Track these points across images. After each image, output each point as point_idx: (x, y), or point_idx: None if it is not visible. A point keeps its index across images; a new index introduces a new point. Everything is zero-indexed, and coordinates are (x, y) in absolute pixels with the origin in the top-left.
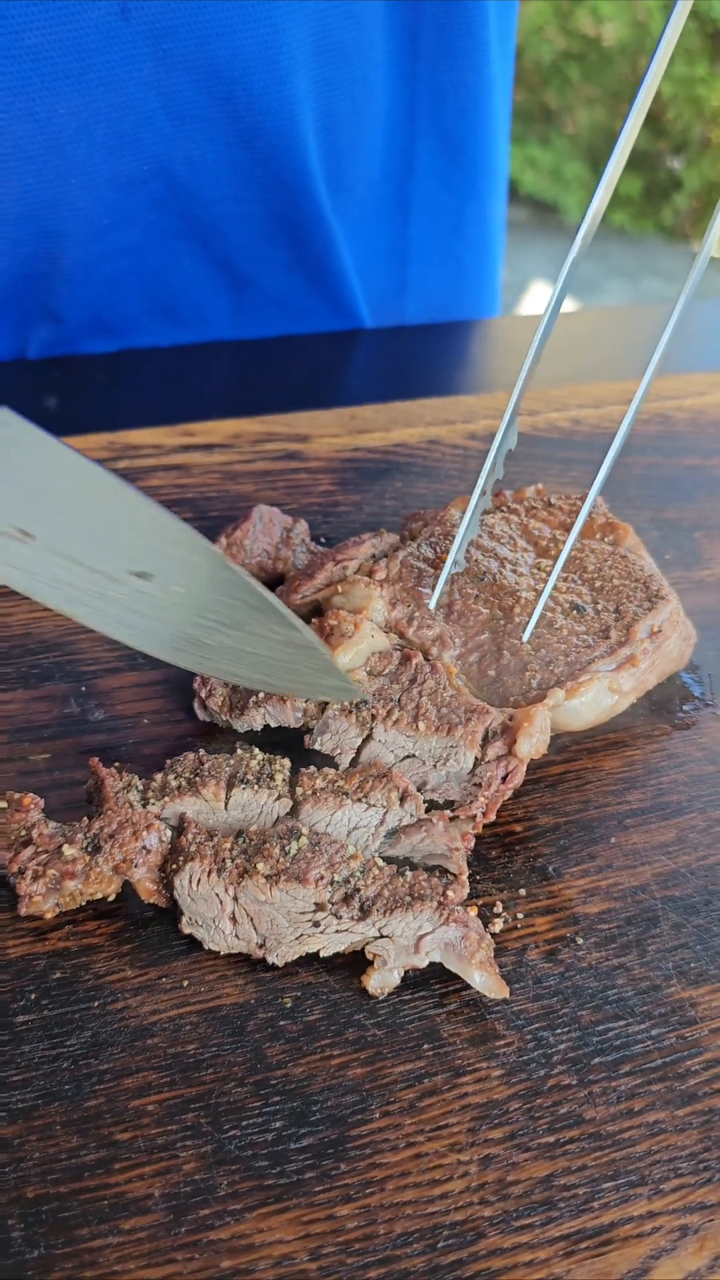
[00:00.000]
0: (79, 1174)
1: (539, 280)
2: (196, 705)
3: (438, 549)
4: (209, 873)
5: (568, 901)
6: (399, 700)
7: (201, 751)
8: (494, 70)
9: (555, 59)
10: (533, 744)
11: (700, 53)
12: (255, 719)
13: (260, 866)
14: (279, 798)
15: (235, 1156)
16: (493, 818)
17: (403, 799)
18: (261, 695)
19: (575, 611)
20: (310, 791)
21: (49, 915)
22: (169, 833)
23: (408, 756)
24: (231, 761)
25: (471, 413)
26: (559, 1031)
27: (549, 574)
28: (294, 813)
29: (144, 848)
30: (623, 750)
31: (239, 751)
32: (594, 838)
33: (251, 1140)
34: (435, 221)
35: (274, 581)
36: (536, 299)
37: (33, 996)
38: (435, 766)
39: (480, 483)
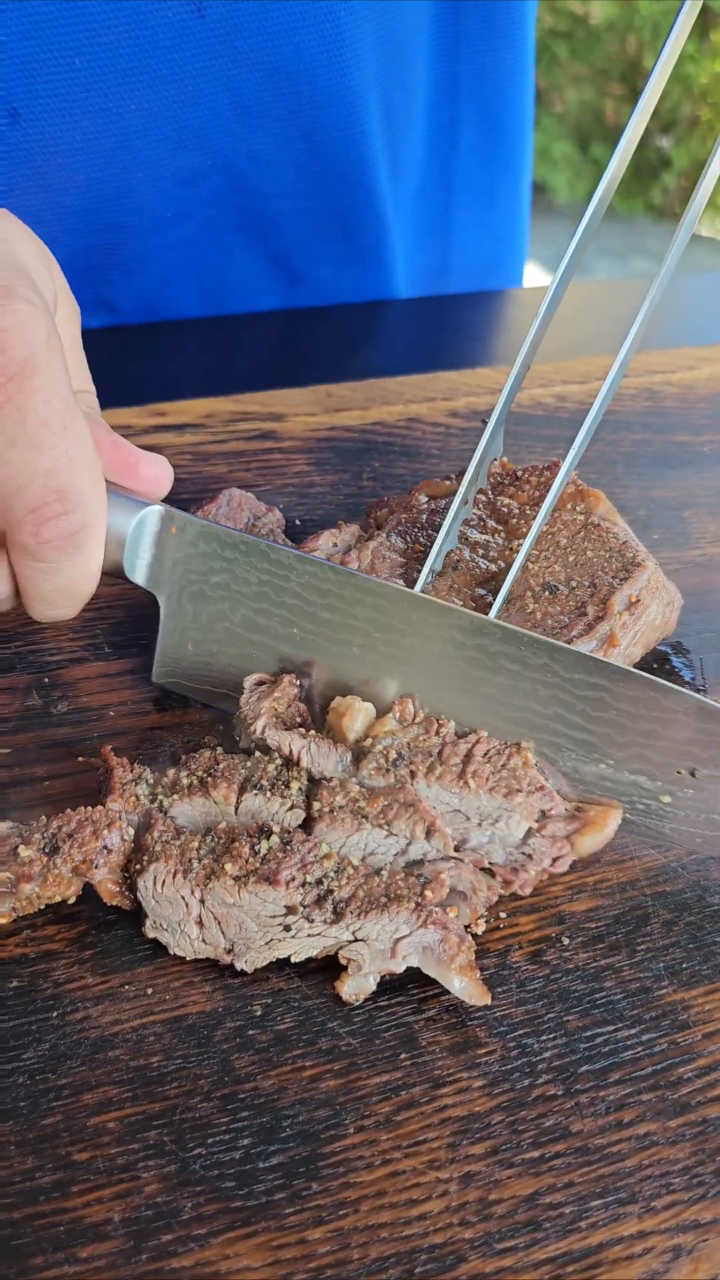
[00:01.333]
0: (34, 1198)
1: (528, 259)
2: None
3: (408, 538)
4: (174, 874)
5: (553, 899)
6: (439, 755)
7: (219, 750)
8: (525, 43)
9: (543, 37)
10: (595, 846)
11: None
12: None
13: (228, 867)
14: (292, 808)
15: (200, 1177)
16: (528, 892)
17: (429, 833)
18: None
19: (548, 593)
20: (328, 808)
21: (4, 921)
22: (131, 831)
23: (453, 811)
24: (248, 764)
25: (453, 389)
26: (544, 1038)
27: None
28: (306, 827)
29: (105, 847)
30: None
31: (257, 754)
32: None
33: (218, 1159)
34: (476, 198)
35: None
36: (525, 277)
37: None
38: (481, 825)
39: (461, 492)
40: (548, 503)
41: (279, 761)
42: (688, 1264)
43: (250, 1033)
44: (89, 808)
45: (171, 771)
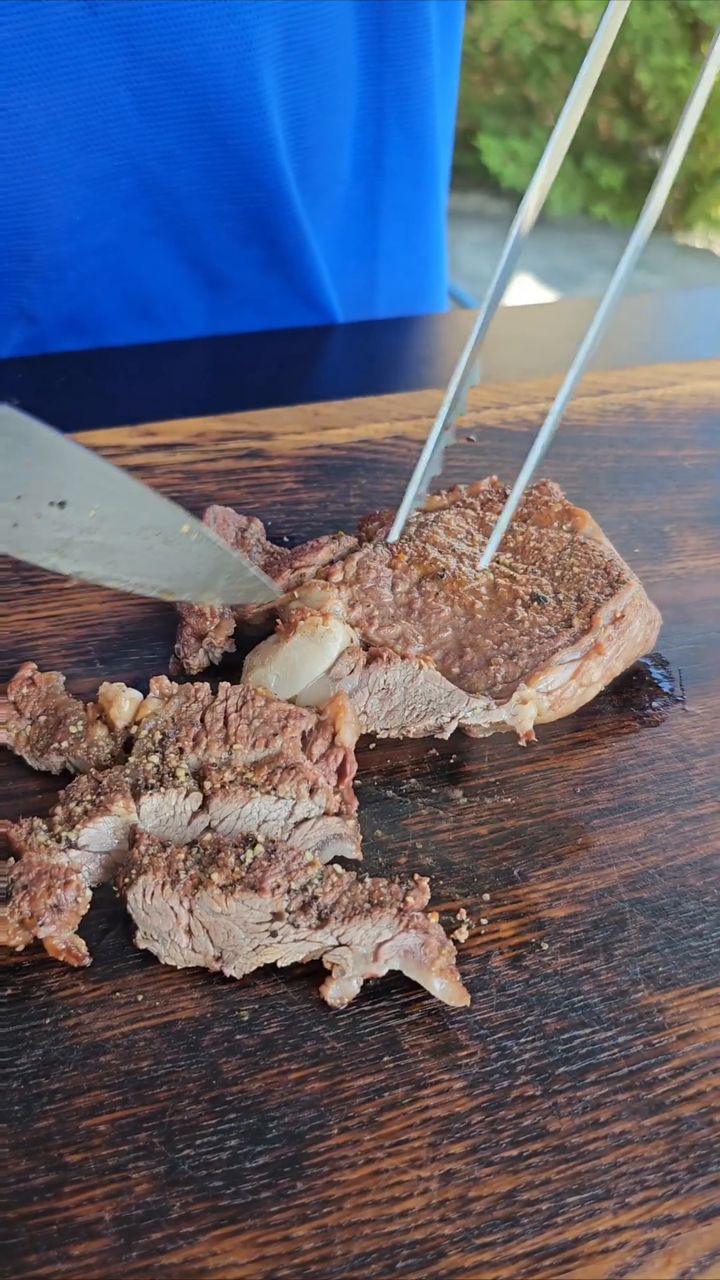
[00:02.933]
0: (27, 1198)
1: (522, 272)
2: None
3: (394, 549)
4: (163, 885)
5: (533, 906)
6: (203, 722)
7: (93, 771)
8: (449, 64)
9: (535, 52)
10: (352, 730)
11: (679, 43)
12: (54, 762)
13: (215, 877)
14: (188, 794)
15: (189, 1177)
16: (354, 802)
17: (312, 791)
18: (64, 743)
19: (536, 603)
20: (219, 785)
21: None
22: (89, 892)
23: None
24: (128, 771)
25: (436, 407)
26: (523, 1040)
27: (509, 568)
28: (205, 807)
29: (56, 905)
30: (590, 749)
31: (130, 759)
32: (560, 840)
33: (206, 1160)
34: (402, 218)
35: None
36: (519, 291)
37: None
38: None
39: (441, 418)
40: (513, 499)
41: (155, 759)
42: (660, 1257)
43: (238, 1037)
44: (50, 859)
45: (58, 809)
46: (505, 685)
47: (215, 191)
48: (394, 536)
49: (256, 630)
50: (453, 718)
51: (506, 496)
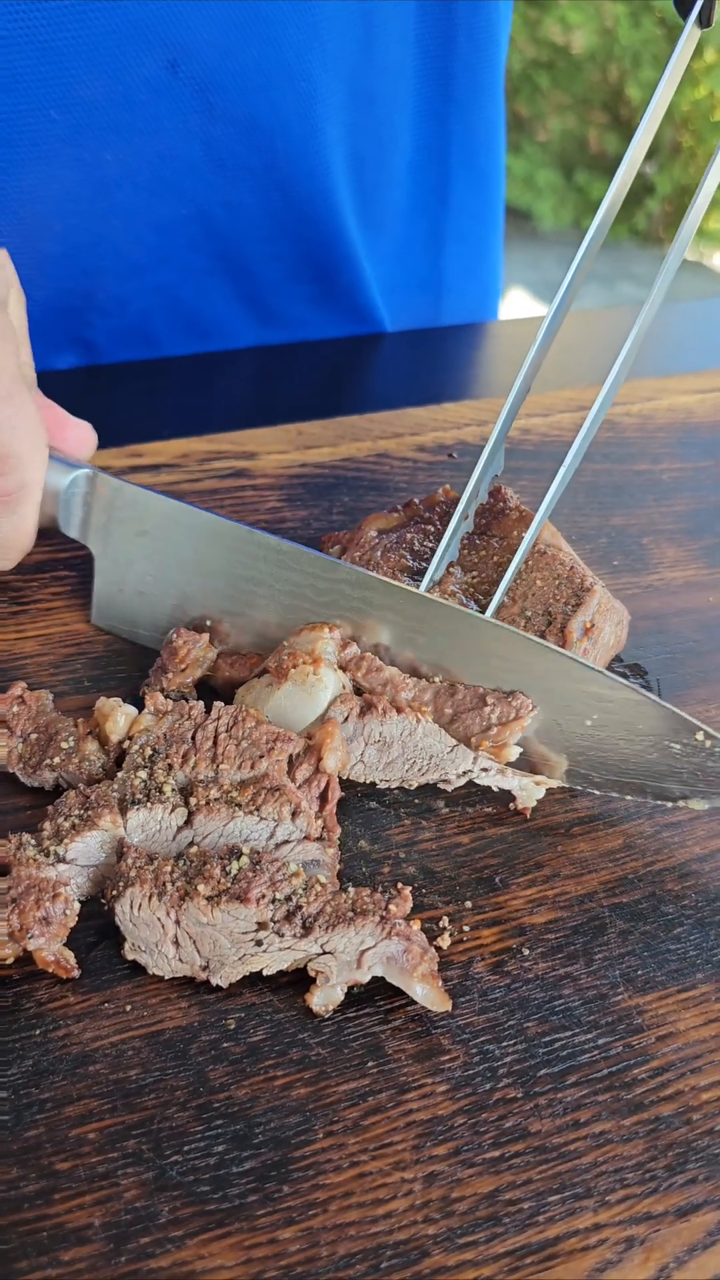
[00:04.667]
0: (18, 1206)
1: (514, 286)
2: None
3: None
4: (150, 897)
5: (514, 912)
6: (193, 740)
7: (82, 786)
8: (502, 99)
9: (525, 67)
10: (338, 758)
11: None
12: (46, 778)
13: (201, 888)
14: (174, 809)
15: (177, 1182)
16: (337, 830)
17: (294, 814)
18: (56, 758)
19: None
20: (204, 802)
21: None
22: (77, 905)
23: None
24: (115, 786)
25: (420, 425)
26: (505, 1044)
27: (476, 586)
28: (189, 823)
29: (44, 918)
30: None
31: (120, 774)
32: (541, 847)
33: (193, 1165)
34: (466, 250)
35: None
36: (512, 305)
37: None
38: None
39: (460, 508)
40: (520, 552)
41: (143, 774)
42: (640, 1254)
43: (224, 1045)
44: (39, 872)
45: (46, 824)
46: (501, 726)
47: (274, 234)
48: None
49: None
50: (461, 776)
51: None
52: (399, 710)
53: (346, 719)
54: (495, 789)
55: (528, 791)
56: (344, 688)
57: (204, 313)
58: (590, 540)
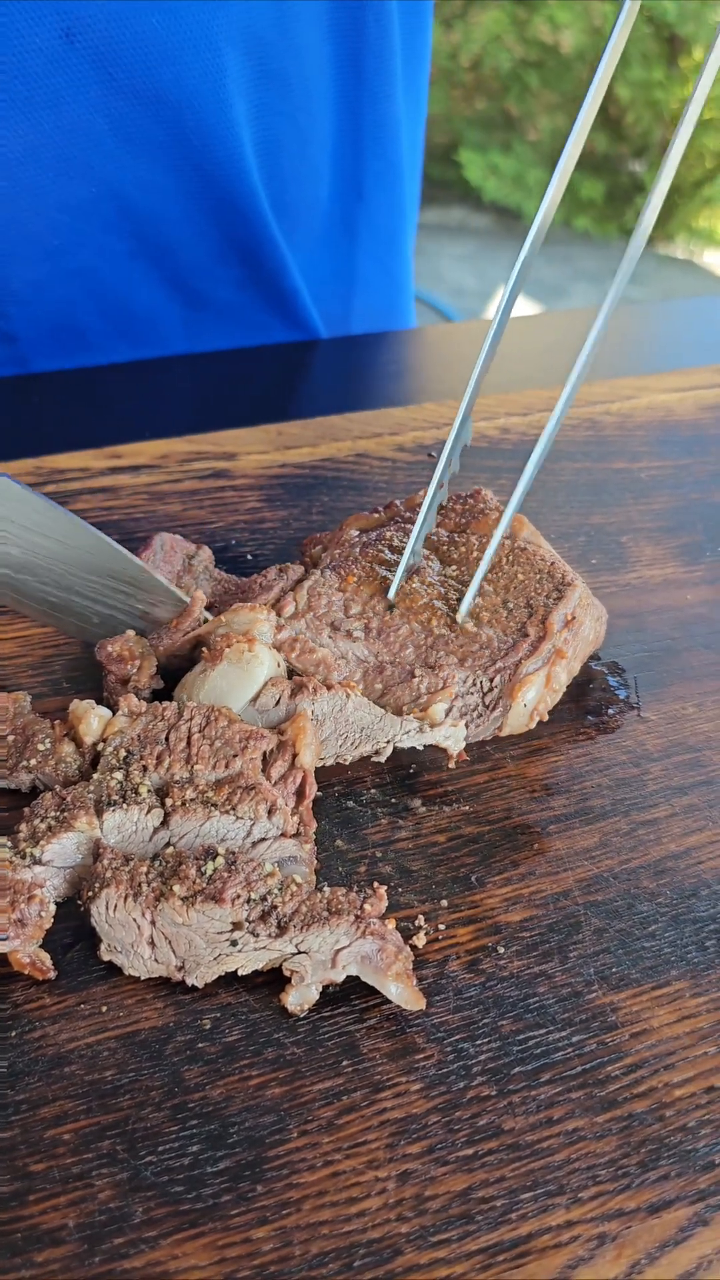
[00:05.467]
0: None
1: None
2: None
3: (341, 572)
4: (125, 898)
5: (490, 911)
6: (167, 741)
7: (58, 788)
8: (416, 92)
9: (514, 67)
10: (312, 752)
11: (657, 57)
12: (23, 779)
13: (176, 889)
14: (149, 810)
15: (151, 1183)
16: (313, 825)
17: (270, 812)
18: (33, 760)
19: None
20: (180, 802)
21: None
22: (53, 906)
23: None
24: (91, 787)
25: (399, 425)
26: (479, 1042)
27: (455, 580)
28: (165, 824)
29: (19, 920)
30: (546, 756)
31: (95, 776)
32: (517, 845)
33: (168, 1165)
34: (377, 242)
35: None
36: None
37: None
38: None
39: (436, 476)
40: (493, 543)
41: (118, 775)
42: (612, 1250)
43: (200, 1045)
44: (15, 874)
45: (22, 825)
46: (429, 695)
47: (194, 215)
48: (392, 592)
49: (182, 662)
50: (388, 742)
51: (443, 507)
52: (329, 687)
53: (279, 701)
54: (421, 747)
55: (453, 739)
56: (279, 666)
57: (129, 298)
58: (569, 539)
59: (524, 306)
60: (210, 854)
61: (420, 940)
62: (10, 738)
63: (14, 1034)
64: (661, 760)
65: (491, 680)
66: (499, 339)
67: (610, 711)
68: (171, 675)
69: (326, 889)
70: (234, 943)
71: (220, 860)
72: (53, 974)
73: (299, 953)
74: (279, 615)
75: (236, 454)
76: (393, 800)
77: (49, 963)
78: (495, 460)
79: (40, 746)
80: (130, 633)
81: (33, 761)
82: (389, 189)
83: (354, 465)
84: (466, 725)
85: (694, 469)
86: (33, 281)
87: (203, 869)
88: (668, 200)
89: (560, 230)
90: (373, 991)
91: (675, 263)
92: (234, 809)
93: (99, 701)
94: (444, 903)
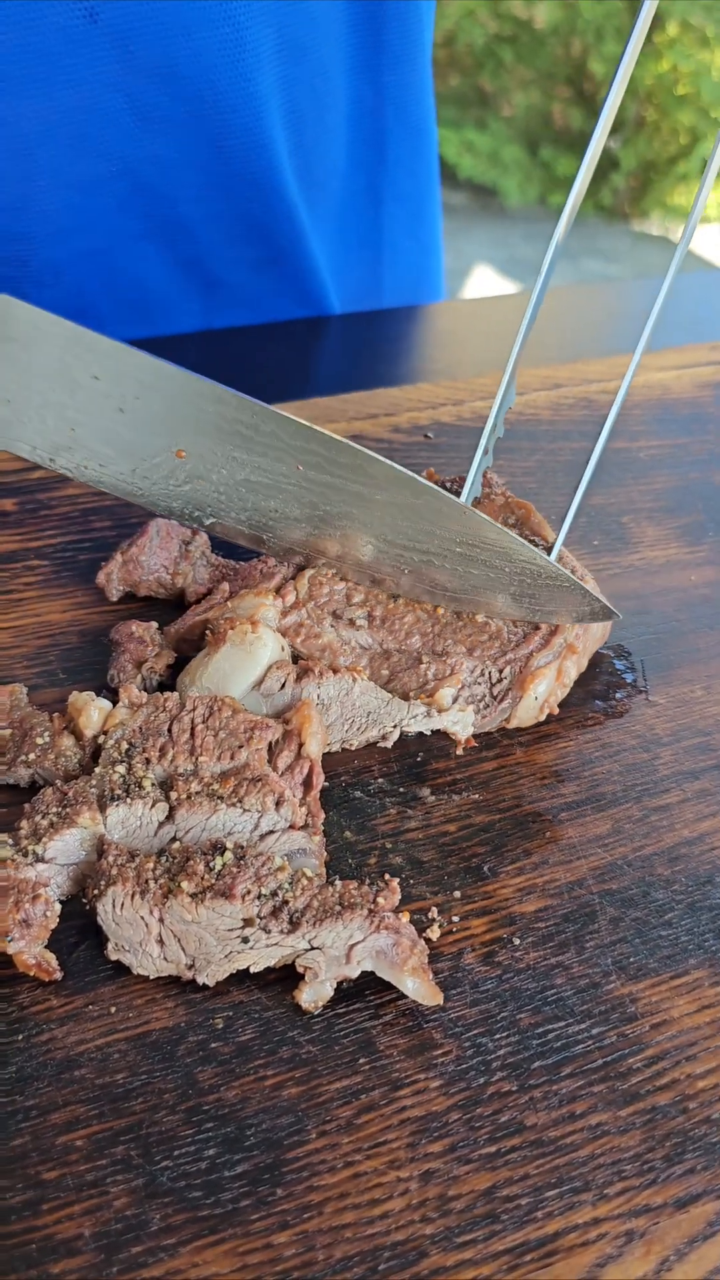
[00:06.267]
0: (5, 1218)
1: (481, 263)
2: None
3: None
4: (132, 895)
5: (504, 901)
6: (170, 732)
7: (59, 783)
8: (430, 56)
9: (488, 42)
10: (319, 741)
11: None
12: (21, 774)
13: (185, 885)
14: (154, 804)
15: (168, 1189)
16: (321, 816)
17: (278, 804)
18: (32, 754)
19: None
20: (185, 795)
21: None
22: (58, 905)
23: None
24: (93, 782)
25: (394, 405)
26: (498, 1036)
27: None
28: (171, 818)
29: (24, 920)
30: (555, 742)
31: (97, 770)
32: (529, 834)
33: (184, 1170)
34: (404, 209)
35: (174, 598)
36: (479, 282)
37: None
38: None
39: (482, 442)
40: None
41: (121, 769)
42: (640, 1247)
43: (213, 1045)
44: (18, 873)
45: (24, 822)
46: (436, 682)
47: (209, 194)
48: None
49: (190, 649)
50: (395, 726)
51: (443, 488)
52: (335, 671)
53: (283, 685)
54: (428, 732)
55: (461, 725)
56: (283, 650)
57: (143, 281)
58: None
59: (503, 285)
60: (218, 848)
61: (434, 933)
62: (7, 731)
63: (21, 1037)
64: (671, 745)
65: (501, 671)
66: (538, 310)
67: (618, 696)
68: (176, 666)
69: (338, 882)
70: (245, 939)
71: (229, 855)
72: (59, 975)
73: (312, 948)
74: (281, 600)
75: None
76: (401, 789)
77: (55, 963)
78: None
79: (39, 740)
80: (154, 623)
81: (31, 755)
82: (413, 153)
83: None
84: (472, 707)
85: (692, 448)
86: (50, 262)
87: (211, 864)
88: (642, 177)
89: (536, 208)
90: (388, 986)
91: (650, 239)
92: (240, 801)
93: (98, 693)
94: (457, 894)
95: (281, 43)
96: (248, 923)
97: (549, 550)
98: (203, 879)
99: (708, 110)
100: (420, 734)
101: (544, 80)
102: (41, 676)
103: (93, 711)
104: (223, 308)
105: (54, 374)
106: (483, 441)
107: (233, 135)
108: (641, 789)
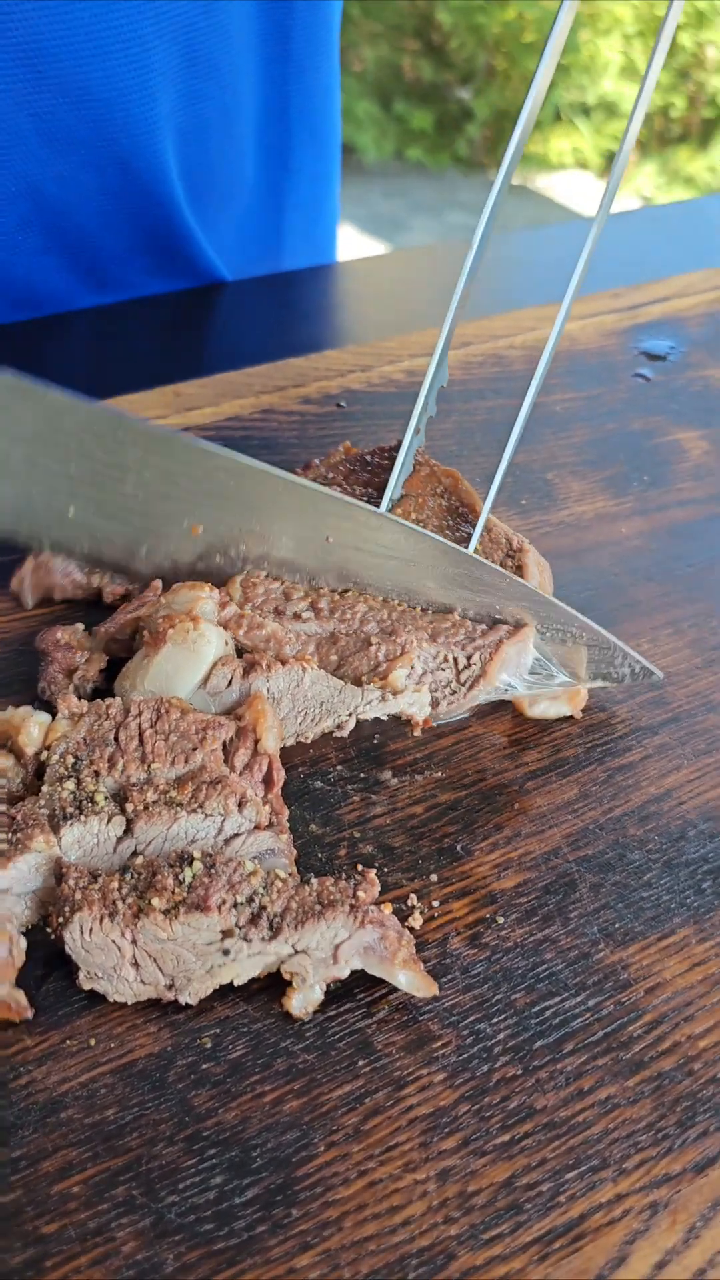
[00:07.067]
0: None
1: (342, 222)
2: None
3: None
4: (101, 919)
5: (482, 880)
6: (116, 740)
7: (4, 807)
8: (337, 56)
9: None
10: (275, 735)
11: None
12: None
13: (155, 902)
14: (110, 819)
15: (177, 1225)
16: (285, 812)
17: (240, 805)
18: None
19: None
20: (142, 807)
21: None
22: (23, 941)
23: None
24: (42, 802)
25: (302, 375)
26: (495, 1020)
27: None
28: (129, 831)
29: None
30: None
31: (44, 788)
32: (497, 807)
33: (192, 1204)
34: (303, 215)
35: (93, 598)
36: (342, 241)
37: None
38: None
39: (413, 422)
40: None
41: (70, 785)
42: (665, 1218)
43: (204, 1067)
44: None
45: None
46: (388, 663)
47: (109, 207)
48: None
49: (121, 650)
50: (350, 715)
51: (367, 463)
52: (283, 663)
53: (230, 682)
54: (385, 716)
55: (418, 706)
56: (226, 644)
57: (39, 284)
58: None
59: (367, 244)
60: (185, 859)
61: (417, 921)
62: None
63: None
64: (625, 701)
65: (469, 658)
66: (473, 275)
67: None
68: (108, 669)
69: (314, 880)
70: (226, 951)
71: (198, 865)
72: (30, 1013)
73: (297, 953)
74: (217, 606)
75: None
76: (361, 775)
77: (25, 1001)
78: (406, 405)
79: None
80: (79, 625)
81: None
82: (315, 160)
83: (261, 422)
84: (437, 701)
85: (605, 398)
86: None
87: (180, 876)
88: (496, 127)
89: (393, 163)
90: (376, 983)
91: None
92: (201, 806)
93: (24, 704)
94: (434, 877)
95: (190, 59)
96: (227, 934)
97: (473, 525)
98: (173, 893)
99: None
100: (376, 718)
101: (391, 33)
102: None
103: (32, 727)
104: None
105: None
106: (413, 422)
107: (139, 155)
108: (603, 749)
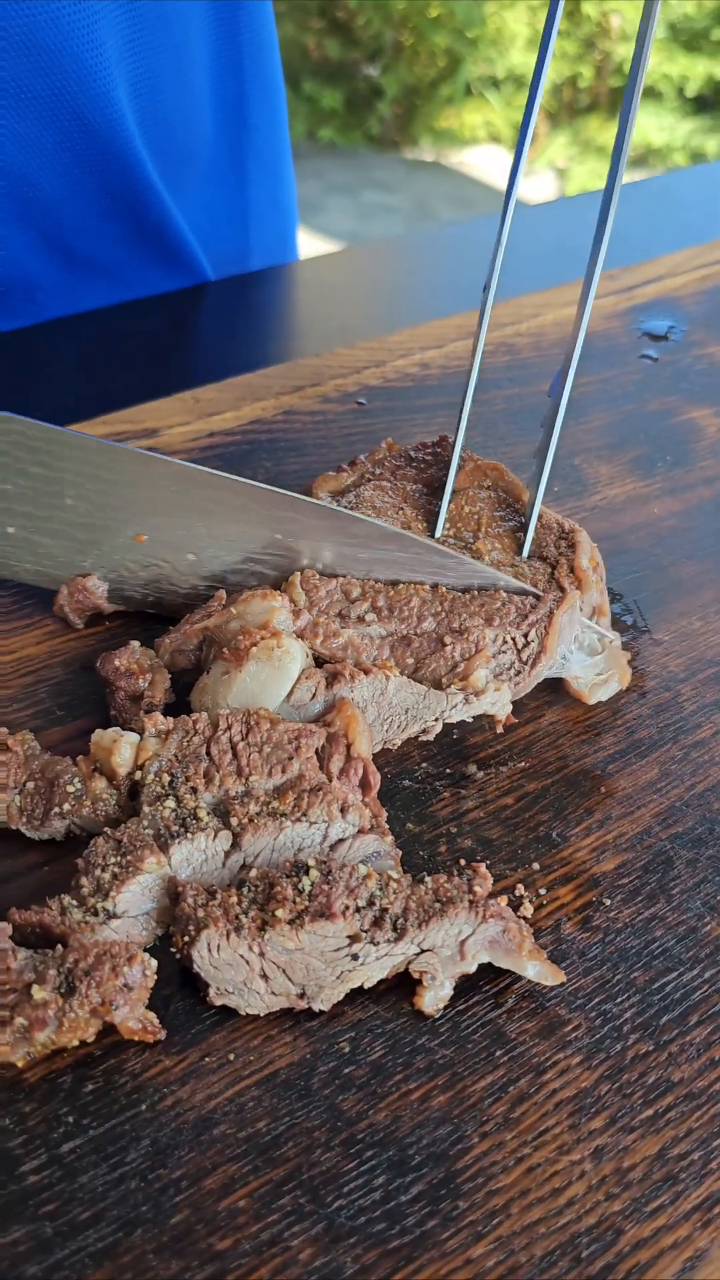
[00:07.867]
0: None
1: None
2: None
3: None
4: (227, 935)
5: (582, 865)
6: (209, 754)
7: (107, 830)
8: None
9: None
10: (367, 740)
11: None
12: (57, 828)
13: (279, 914)
14: (216, 835)
15: (350, 1228)
16: (384, 814)
17: (344, 810)
18: (66, 805)
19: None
20: (246, 819)
21: (20, 1064)
22: (154, 963)
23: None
24: (145, 822)
25: (318, 374)
26: (620, 1000)
27: (455, 537)
28: (236, 845)
29: (125, 985)
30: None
31: (144, 809)
32: (584, 792)
33: (360, 1206)
34: (265, 173)
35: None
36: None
37: (71, 1119)
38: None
39: (463, 421)
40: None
41: (170, 803)
42: None
43: (346, 1071)
44: (107, 939)
45: (84, 879)
46: (465, 662)
47: (74, 171)
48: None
49: (185, 660)
50: (436, 719)
51: (411, 459)
52: (366, 672)
53: (314, 694)
54: (470, 719)
55: (500, 704)
56: (307, 657)
57: (5, 264)
58: (523, 469)
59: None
60: (301, 868)
61: (528, 910)
62: (30, 785)
63: (144, 1107)
64: (689, 680)
65: (526, 636)
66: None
67: (624, 639)
68: (176, 682)
69: (428, 879)
70: (355, 956)
71: (314, 873)
72: (163, 1034)
73: (423, 951)
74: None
75: (158, 429)
76: (448, 771)
77: (158, 1023)
78: (425, 398)
79: (70, 788)
80: (134, 643)
81: (65, 806)
82: (270, 113)
83: (284, 425)
84: (507, 685)
85: (618, 381)
86: None
87: (299, 886)
88: (407, 103)
89: (305, 144)
90: (498, 973)
91: (425, 166)
92: (305, 815)
93: (105, 724)
94: (535, 866)
95: (135, 11)
96: (353, 939)
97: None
98: (295, 903)
99: (462, 30)
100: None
101: (296, 13)
102: (39, 717)
103: (124, 748)
104: (88, 281)
105: None
106: (463, 422)
107: (95, 110)
108: (676, 728)
